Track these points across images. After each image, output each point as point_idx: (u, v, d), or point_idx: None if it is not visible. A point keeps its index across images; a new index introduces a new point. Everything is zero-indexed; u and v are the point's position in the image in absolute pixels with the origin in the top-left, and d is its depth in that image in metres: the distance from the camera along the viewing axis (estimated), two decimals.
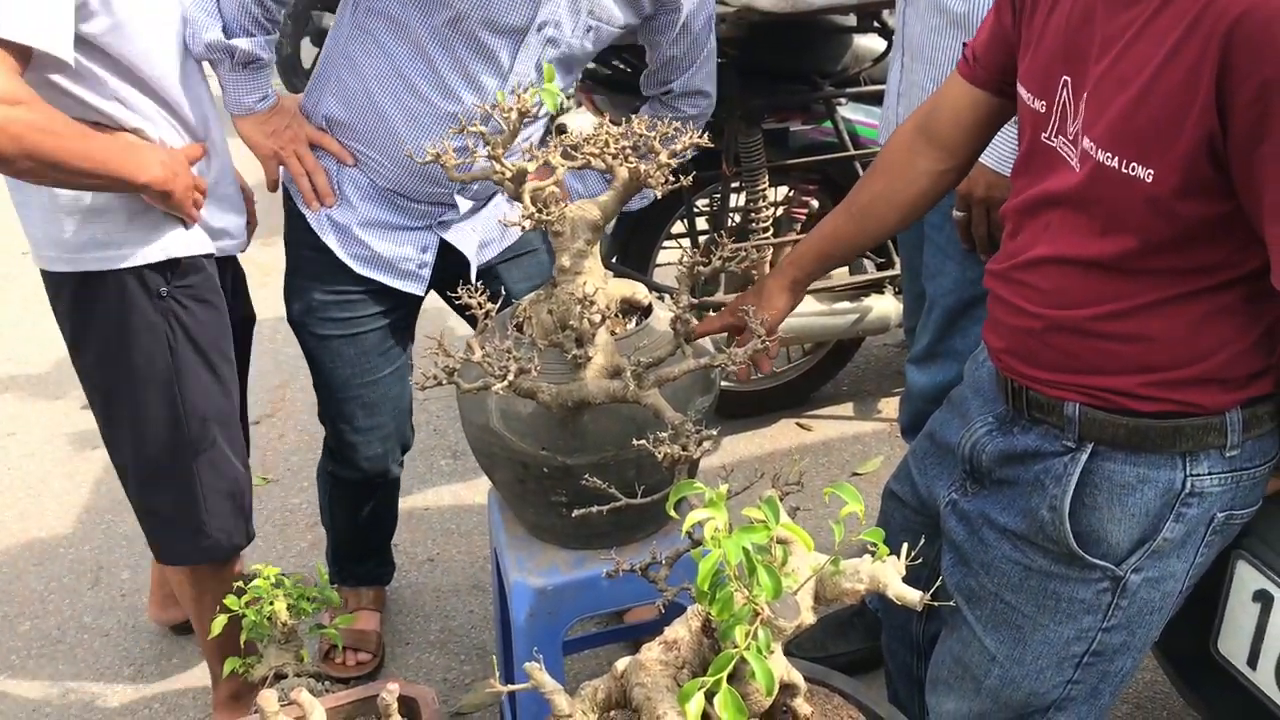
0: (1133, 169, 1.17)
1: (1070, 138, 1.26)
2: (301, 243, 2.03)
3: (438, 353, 1.46)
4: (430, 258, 2.01)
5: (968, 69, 1.49)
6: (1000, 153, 1.83)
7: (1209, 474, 1.29)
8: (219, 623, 1.72)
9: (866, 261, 3.09)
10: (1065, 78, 1.26)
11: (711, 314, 1.73)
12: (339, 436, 2.18)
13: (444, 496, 3.07)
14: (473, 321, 1.55)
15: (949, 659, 1.52)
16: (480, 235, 2.06)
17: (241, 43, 1.82)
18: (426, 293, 2.10)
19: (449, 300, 2.07)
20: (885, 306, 3.08)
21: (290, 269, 2.08)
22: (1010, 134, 1.82)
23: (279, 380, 3.70)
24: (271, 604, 1.71)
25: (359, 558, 2.45)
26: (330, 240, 1.98)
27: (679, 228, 3.14)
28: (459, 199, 1.96)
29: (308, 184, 1.95)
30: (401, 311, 2.10)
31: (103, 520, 2.96)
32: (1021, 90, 1.35)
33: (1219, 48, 1.07)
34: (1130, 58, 1.17)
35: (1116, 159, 1.18)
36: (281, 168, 1.98)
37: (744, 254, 1.55)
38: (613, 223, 2.78)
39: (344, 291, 2.02)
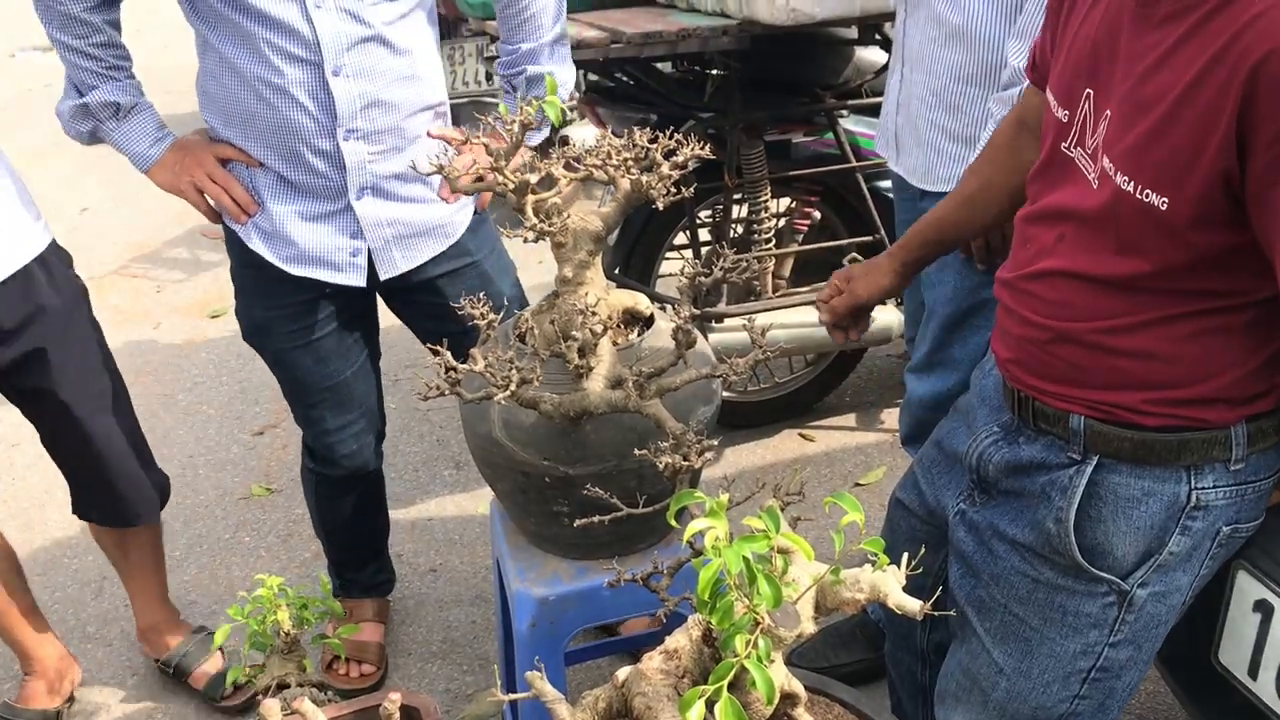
0: (1148, 196, 1.16)
1: (1089, 152, 1.25)
2: (240, 262, 2.04)
3: (440, 363, 1.47)
4: (362, 245, 1.97)
5: (1032, 72, 1.49)
6: None
7: (1214, 487, 1.29)
8: (223, 631, 1.74)
9: None
10: (1088, 90, 1.26)
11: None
12: (314, 438, 2.21)
13: (447, 506, 3.07)
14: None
15: (958, 671, 1.52)
16: (395, 230, 1.99)
17: (93, 96, 1.88)
18: (381, 287, 2.08)
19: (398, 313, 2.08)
20: (887, 317, 3.09)
21: (236, 290, 2.09)
22: None
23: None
24: (274, 614, 1.72)
25: (357, 564, 2.45)
26: (259, 247, 1.97)
27: (681, 239, 3.15)
28: (343, 149, 1.88)
29: (228, 199, 1.94)
30: (350, 313, 2.08)
31: None
32: (1049, 97, 1.35)
33: (1242, 85, 1.06)
34: (1153, 83, 1.16)
35: (1133, 184, 1.17)
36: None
37: (746, 265, 1.55)
38: (615, 233, 2.79)
39: (287, 305, 2.02)
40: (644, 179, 1.49)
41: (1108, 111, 1.22)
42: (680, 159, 1.51)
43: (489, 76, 4.50)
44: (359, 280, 2.00)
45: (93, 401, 2.09)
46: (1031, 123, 1.53)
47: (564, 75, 2.10)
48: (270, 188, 1.94)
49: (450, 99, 2.17)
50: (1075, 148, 1.28)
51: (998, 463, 1.43)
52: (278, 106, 1.83)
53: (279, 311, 2.03)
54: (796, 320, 3.03)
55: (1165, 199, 1.15)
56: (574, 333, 1.47)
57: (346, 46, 1.82)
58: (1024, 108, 1.56)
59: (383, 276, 2.01)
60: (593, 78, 3.27)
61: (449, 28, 4.42)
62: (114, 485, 2.17)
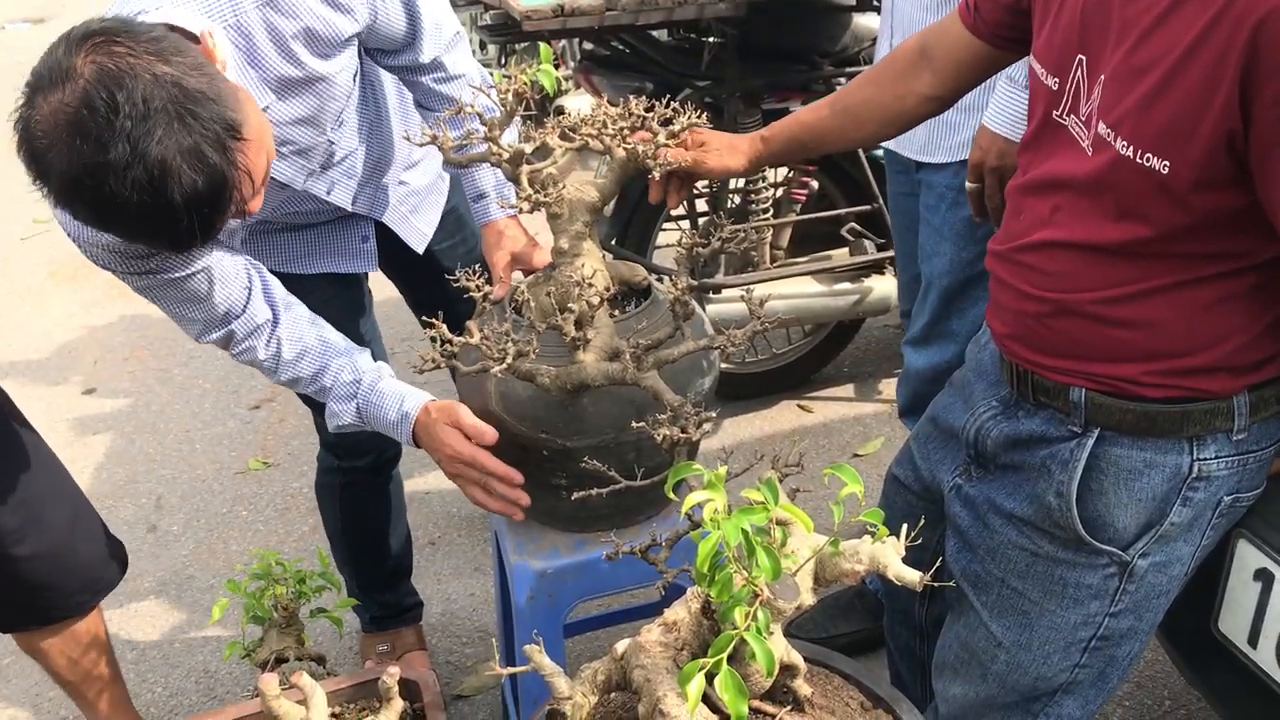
0: (1148, 160, 1.15)
1: (1083, 119, 1.24)
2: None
3: (436, 336, 1.46)
4: (370, 233, 1.96)
5: (967, 15, 1.46)
6: (1013, 120, 1.80)
7: (1216, 458, 1.28)
8: (221, 605, 1.73)
9: (867, 242, 3.08)
10: (1080, 57, 1.24)
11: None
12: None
13: (445, 479, 3.06)
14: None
15: (955, 644, 1.52)
16: (409, 206, 2.01)
17: (334, 425, 1.72)
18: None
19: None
20: (885, 287, 3.08)
21: None
22: (1023, 99, 1.79)
23: None
24: (272, 588, 1.72)
25: (390, 581, 2.36)
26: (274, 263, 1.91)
27: (678, 209, 3.13)
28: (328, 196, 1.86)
29: (498, 505, 1.62)
30: (350, 291, 2.03)
31: (104, 506, 2.96)
32: (1035, 65, 1.33)
33: (1244, 45, 1.05)
34: (1148, 46, 1.14)
35: (1132, 148, 1.16)
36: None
37: (743, 235, 1.54)
38: (611, 204, 2.77)
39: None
40: (640, 148, 1.48)
41: (1102, 76, 1.20)
42: (676, 128, 1.49)
43: (483, 45, 4.48)
44: (372, 265, 1.99)
45: None
46: (936, 55, 1.51)
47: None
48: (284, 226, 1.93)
49: None
50: (1068, 115, 1.27)
51: (996, 437, 1.42)
52: (305, 219, 1.89)
53: None
54: (795, 291, 3.02)
55: (1166, 162, 1.14)
56: (570, 304, 1.46)
57: (361, 186, 1.86)
58: (933, 37, 1.53)
59: (419, 250, 2.01)
60: (588, 46, 3.24)
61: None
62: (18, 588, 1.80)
